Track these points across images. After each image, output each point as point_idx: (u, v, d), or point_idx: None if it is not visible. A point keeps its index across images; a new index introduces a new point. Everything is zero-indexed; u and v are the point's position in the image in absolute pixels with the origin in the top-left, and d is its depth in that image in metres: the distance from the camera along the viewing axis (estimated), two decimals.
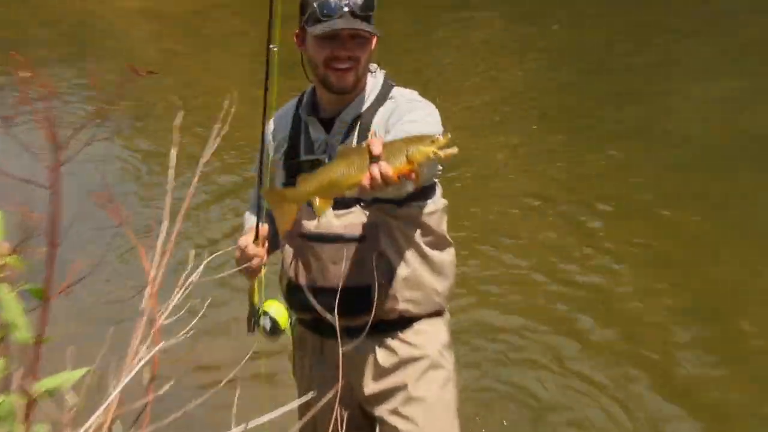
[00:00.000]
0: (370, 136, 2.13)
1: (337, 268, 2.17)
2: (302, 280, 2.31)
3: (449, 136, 1.80)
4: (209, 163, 1.71)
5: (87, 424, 1.48)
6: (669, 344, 4.10)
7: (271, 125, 2.42)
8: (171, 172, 1.42)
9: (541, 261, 4.84)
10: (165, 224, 1.56)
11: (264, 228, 2.30)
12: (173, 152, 1.58)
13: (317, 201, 1.94)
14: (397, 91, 2.31)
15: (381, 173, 1.70)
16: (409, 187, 1.98)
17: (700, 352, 4.03)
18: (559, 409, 3.73)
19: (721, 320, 4.28)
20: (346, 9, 2.14)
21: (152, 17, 8.54)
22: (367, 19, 2.18)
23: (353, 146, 2.19)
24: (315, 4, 2.17)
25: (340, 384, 1.77)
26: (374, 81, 2.30)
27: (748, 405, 3.67)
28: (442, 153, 1.75)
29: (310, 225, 2.28)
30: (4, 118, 1.53)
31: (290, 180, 2.27)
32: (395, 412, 2.25)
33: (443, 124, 2.19)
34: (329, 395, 1.60)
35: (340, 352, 1.65)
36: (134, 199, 5.19)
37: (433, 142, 1.76)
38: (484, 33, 8.78)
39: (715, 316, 4.32)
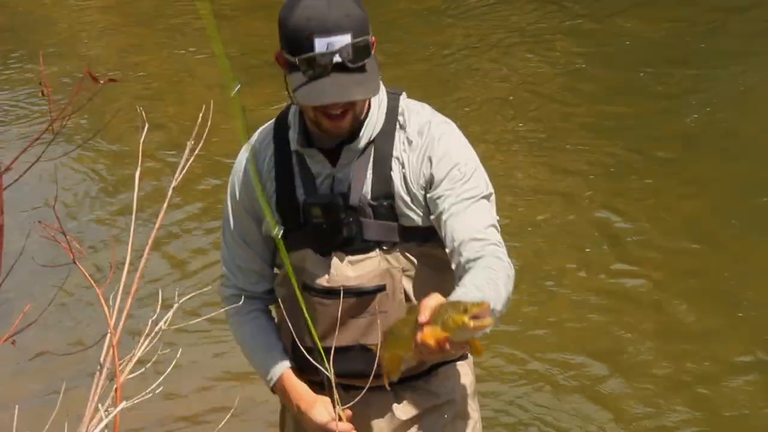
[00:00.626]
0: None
1: (355, 323, 1.85)
2: (309, 341, 1.85)
3: (484, 304, 1.53)
4: (182, 182, 1.46)
5: None
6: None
7: (246, 165, 1.91)
8: (134, 204, 1.18)
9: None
10: (127, 262, 1.32)
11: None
12: (137, 175, 1.34)
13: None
14: (408, 110, 1.88)
15: (423, 342, 1.49)
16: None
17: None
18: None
19: None
20: (336, 59, 1.69)
21: (113, 14, 8.12)
22: (361, 68, 1.73)
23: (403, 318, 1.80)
24: (290, 47, 1.72)
25: None
26: (380, 96, 1.85)
27: None
28: (472, 324, 1.50)
29: (320, 278, 1.85)
30: None
31: (289, 226, 1.86)
32: None
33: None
34: None
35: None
36: (92, 227, 4.65)
37: (465, 310, 1.51)
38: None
39: None
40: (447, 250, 1.78)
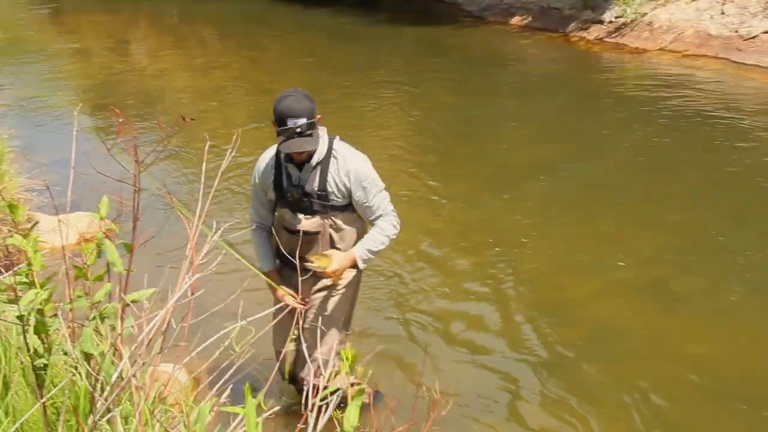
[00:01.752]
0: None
1: (305, 246, 3.55)
2: (285, 249, 3.60)
3: (323, 260, 3.52)
4: (225, 172, 2.87)
5: (155, 320, 2.60)
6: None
7: (261, 166, 3.66)
8: (203, 174, 2.55)
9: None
10: (199, 205, 2.69)
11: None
12: (204, 164, 2.73)
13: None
14: (339, 147, 3.54)
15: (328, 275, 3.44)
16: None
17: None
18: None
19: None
20: (298, 130, 3.33)
21: (191, 91, 11.66)
22: (310, 134, 3.36)
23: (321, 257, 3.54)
24: (277, 122, 3.37)
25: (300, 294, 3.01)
26: (323, 135, 3.51)
27: None
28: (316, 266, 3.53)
29: (291, 224, 3.61)
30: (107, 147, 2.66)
31: (280, 195, 3.62)
32: (314, 308, 3.73)
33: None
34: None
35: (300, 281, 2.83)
36: (183, 192, 7.37)
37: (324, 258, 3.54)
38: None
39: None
40: (368, 219, 3.57)
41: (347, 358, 2.10)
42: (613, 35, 13.27)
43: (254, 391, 2.06)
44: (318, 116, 3.44)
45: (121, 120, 2.63)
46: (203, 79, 11.95)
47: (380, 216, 3.60)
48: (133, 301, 2.69)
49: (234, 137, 2.66)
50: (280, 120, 3.37)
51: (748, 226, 6.39)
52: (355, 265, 3.59)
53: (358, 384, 2.20)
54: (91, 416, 2.24)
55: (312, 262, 3.48)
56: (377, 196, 3.56)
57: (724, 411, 4.24)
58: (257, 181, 3.69)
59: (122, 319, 2.76)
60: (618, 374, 4.57)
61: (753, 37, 11.66)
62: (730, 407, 4.25)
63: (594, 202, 7.01)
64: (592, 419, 4.18)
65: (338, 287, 3.73)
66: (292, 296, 3.60)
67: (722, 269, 5.70)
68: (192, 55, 13.71)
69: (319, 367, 3.39)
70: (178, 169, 8.10)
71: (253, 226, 3.76)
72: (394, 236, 3.65)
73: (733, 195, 6.98)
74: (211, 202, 2.80)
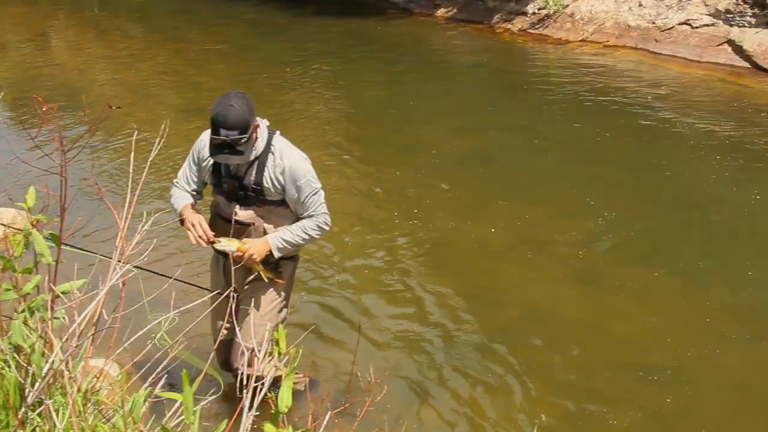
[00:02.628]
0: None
1: (238, 236, 3.57)
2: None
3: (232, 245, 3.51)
4: (153, 163, 2.85)
5: (87, 311, 2.58)
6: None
7: (202, 144, 3.61)
8: (131, 164, 2.55)
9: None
10: (128, 197, 2.68)
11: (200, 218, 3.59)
12: (131, 155, 2.72)
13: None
14: (277, 143, 3.52)
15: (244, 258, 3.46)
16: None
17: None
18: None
19: None
20: (228, 141, 3.30)
21: (115, 84, 11.27)
22: (242, 149, 3.33)
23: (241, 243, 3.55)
24: (212, 128, 3.33)
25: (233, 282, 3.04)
26: (262, 130, 3.47)
27: None
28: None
29: (225, 213, 3.62)
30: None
31: (217, 183, 3.64)
32: (248, 297, 3.75)
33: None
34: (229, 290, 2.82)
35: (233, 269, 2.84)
36: (110, 180, 7.03)
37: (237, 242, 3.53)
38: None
39: None
40: (299, 215, 3.59)
41: (278, 340, 2.13)
42: (536, 26, 13.56)
43: (191, 379, 2.08)
44: (255, 123, 3.43)
45: (45, 108, 2.58)
46: (128, 72, 11.70)
47: (310, 216, 3.60)
48: (63, 293, 2.66)
49: (162, 127, 2.64)
50: (213, 127, 3.34)
51: (670, 206, 6.66)
52: (270, 254, 3.59)
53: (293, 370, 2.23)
54: (23, 408, 2.21)
55: (220, 242, 3.48)
56: (310, 197, 3.56)
57: (650, 387, 4.42)
58: (195, 157, 3.66)
59: (52, 309, 2.73)
60: (547, 354, 4.71)
61: (669, 29, 12.08)
62: (655, 384, 4.44)
63: (522, 187, 7.18)
64: (524, 399, 4.31)
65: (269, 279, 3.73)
66: (203, 230, 3.54)
67: (644, 251, 5.93)
68: (115, 48, 13.39)
69: (253, 354, 3.41)
70: (106, 161, 7.90)
71: (177, 186, 3.74)
72: (317, 236, 3.66)
73: (652, 176, 7.25)
74: (140, 192, 2.79)
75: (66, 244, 2.70)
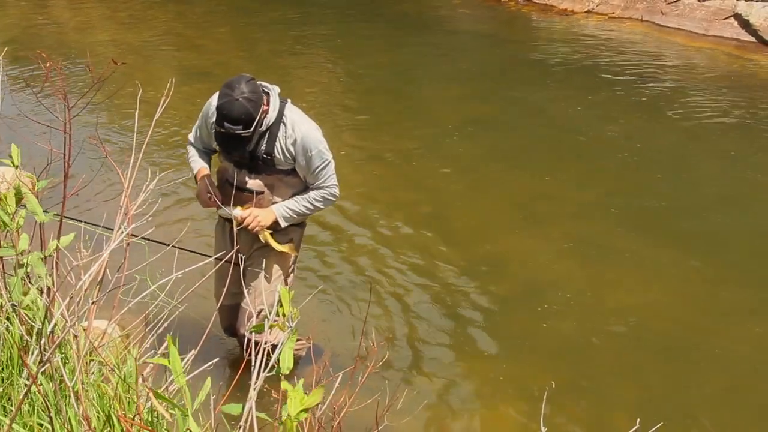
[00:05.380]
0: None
1: (245, 203, 3.59)
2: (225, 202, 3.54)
3: (244, 211, 3.54)
4: (159, 120, 2.82)
5: (92, 269, 2.56)
6: None
7: (212, 109, 3.47)
8: (136, 123, 2.51)
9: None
10: (133, 156, 2.66)
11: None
12: (136, 113, 2.69)
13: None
14: (289, 114, 3.47)
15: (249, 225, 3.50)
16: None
17: None
18: None
19: None
20: (232, 134, 3.28)
21: (116, 45, 11.25)
22: (248, 137, 3.31)
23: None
24: (216, 119, 3.30)
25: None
26: (273, 99, 3.43)
27: None
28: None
29: (234, 179, 3.57)
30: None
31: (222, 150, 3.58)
32: (256, 262, 3.70)
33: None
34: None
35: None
36: (116, 137, 7.42)
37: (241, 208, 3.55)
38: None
39: None
40: (308, 185, 3.57)
41: (283, 299, 2.12)
42: None
43: (194, 341, 2.07)
44: (264, 107, 3.39)
45: (48, 64, 2.55)
46: (128, 33, 11.58)
47: (319, 186, 3.58)
48: (55, 249, 2.64)
49: (168, 86, 2.61)
50: (217, 117, 3.31)
51: (671, 179, 6.64)
52: (277, 223, 3.58)
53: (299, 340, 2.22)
54: (31, 359, 2.20)
55: (222, 208, 3.50)
56: (320, 168, 3.53)
57: (650, 357, 4.44)
58: (204, 121, 3.63)
59: (57, 264, 2.71)
60: (546, 324, 4.72)
61: (675, 2, 11.95)
62: (651, 356, 4.46)
63: (524, 159, 7.14)
64: (522, 368, 4.32)
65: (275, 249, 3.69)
66: (215, 194, 3.56)
67: (644, 223, 5.91)
68: (116, 9, 13.22)
69: (261, 317, 3.41)
70: (109, 120, 7.90)
71: (191, 144, 3.76)
72: (323, 207, 3.66)
73: (655, 148, 7.22)
74: (144, 151, 2.76)
75: (68, 217, 2.68)
